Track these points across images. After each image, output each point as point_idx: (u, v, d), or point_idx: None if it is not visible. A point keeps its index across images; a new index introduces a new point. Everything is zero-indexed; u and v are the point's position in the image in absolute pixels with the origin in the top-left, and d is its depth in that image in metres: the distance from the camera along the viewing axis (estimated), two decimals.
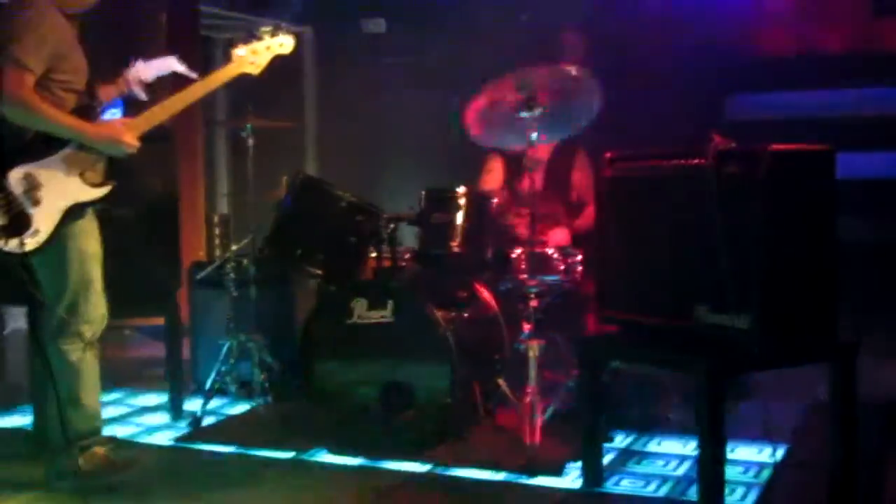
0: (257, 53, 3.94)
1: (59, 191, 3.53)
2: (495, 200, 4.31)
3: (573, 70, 3.99)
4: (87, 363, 3.71)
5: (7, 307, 5.38)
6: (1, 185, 3.44)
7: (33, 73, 3.44)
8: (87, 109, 3.66)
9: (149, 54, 4.06)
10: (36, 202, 3.48)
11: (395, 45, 7.25)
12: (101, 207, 3.72)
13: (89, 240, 3.69)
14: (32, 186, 3.48)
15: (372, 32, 7.43)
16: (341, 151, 7.19)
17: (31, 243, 3.46)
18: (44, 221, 3.49)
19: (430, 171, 6.58)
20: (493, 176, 4.98)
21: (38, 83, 3.48)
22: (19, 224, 3.44)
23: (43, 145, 3.54)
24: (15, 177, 3.46)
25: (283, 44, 3.99)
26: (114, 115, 3.92)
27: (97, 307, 3.72)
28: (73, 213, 3.56)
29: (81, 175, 3.58)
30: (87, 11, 3.72)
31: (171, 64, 3.98)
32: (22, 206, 3.45)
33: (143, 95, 3.91)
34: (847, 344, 3.22)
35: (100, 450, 3.77)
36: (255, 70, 3.94)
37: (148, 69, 3.93)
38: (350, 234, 4.22)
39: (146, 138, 3.72)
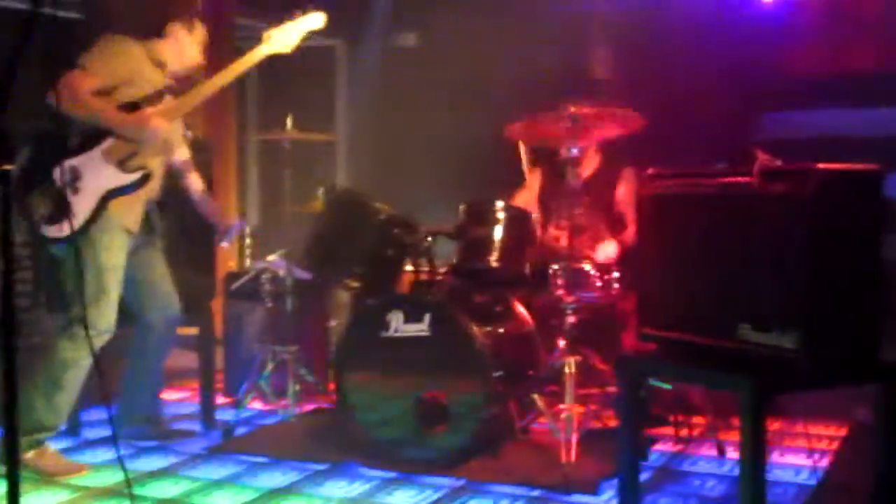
0: (287, 32, 4.07)
1: (96, 180, 3.86)
2: (535, 215, 4.29)
3: (619, 110, 4.03)
4: (78, 366, 3.90)
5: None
6: (48, 179, 3.80)
7: (94, 77, 3.83)
8: (129, 107, 3.94)
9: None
10: (76, 191, 3.84)
11: (426, 58, 7.27)
12: (150, 234, 4.15)
13: (110, 253, 3.93)
14: (75, 178, 3.84)
15: (403, 46, 7.48)
16: (372, 164, 7.21)
17: (67, 228, 3.80)
18: (82, 207, 3.84)
19: (462, 186, 6.57)
20: (527, 194, 4.96)
21: (99, 92, 3.86)
22: (61, 212, 3.80)
23: (86, 141, 3.90)
24: (60, 171, 3.82)
25: (313, 20, 4.11)
26: None
27: (105, 317, 3.92)
28: (108, 198, 3.87)
29: (119, 164, 3.89)
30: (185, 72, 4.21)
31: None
32: (64, 196, 3.82)
33: (223, 240, 4.52)
34: (892, 364, 3.19)
35: (51, 448, 3.93)
36: (285, 49, 4.09)
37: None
38: (387, 247, 4.22)
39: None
